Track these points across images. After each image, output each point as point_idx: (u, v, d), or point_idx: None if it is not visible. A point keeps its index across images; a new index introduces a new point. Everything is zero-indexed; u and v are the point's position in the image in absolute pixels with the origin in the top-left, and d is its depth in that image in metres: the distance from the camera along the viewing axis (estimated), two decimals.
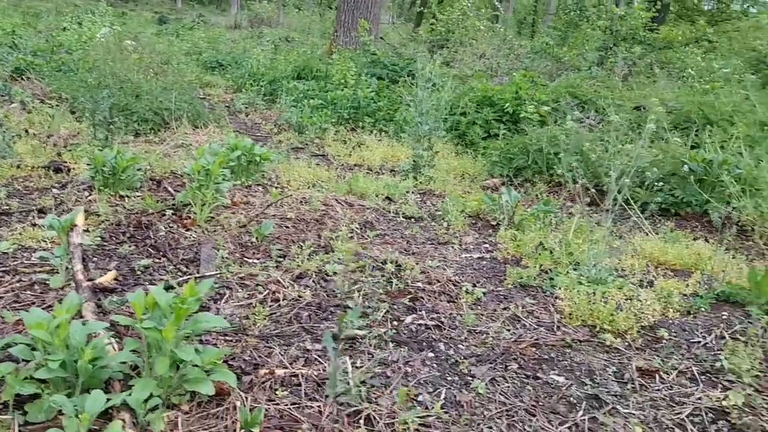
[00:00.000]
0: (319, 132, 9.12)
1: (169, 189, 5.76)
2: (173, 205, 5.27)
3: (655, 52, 14.20)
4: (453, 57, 14.44)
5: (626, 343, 3.75)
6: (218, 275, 4.08)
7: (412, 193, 6.72)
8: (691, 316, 4.23)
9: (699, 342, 3.84)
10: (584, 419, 2.96)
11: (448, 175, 7.45)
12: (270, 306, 3.76)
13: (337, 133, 9.16)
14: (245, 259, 4.43)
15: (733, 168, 6.61)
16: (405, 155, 8.04)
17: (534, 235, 5.27)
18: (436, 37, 16.55)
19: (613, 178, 5.11)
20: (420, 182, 7.16)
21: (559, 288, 4.35)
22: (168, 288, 3.57)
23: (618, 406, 3.08)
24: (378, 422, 2.73)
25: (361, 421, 2.73)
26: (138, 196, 5.47)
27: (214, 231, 4.84)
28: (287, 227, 5.13)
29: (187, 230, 4.82)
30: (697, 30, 15.88)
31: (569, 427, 2.90)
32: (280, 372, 3.01)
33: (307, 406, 2.80)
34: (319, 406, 2.80)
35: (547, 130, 7.87)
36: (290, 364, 3.13)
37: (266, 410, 2.73)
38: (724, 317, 4.25)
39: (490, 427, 2.82)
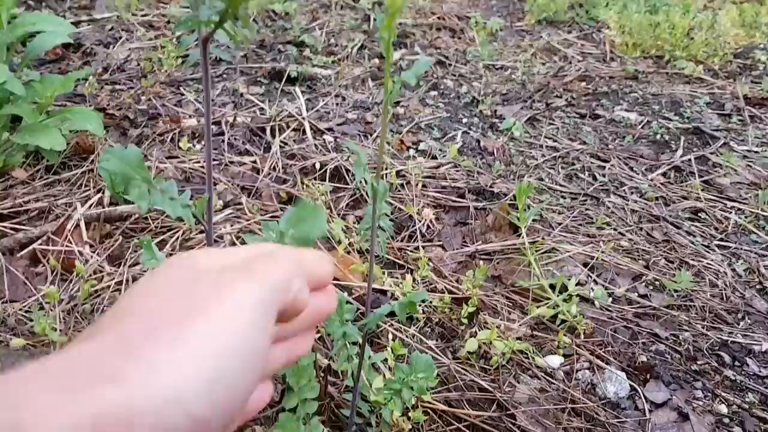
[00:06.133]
0: None
1: None
2: None
3: None
4: None
5: (711, 72, 2.60)
6: (115, 17, 2.79)
7: None
8: None
9: None
10: (687, 160, 1.86)
11: None
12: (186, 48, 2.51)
13: None
14: (162, 2, 3.12)
15: None
16: None
17: None
18: None
19: None
20: None
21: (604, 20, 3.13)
22: None
23: (732, 143, 1.98)
24: (349, 175, 1.61)
25: (318, 166, 1.61)
26: None
27: None
28: None
29: None
30: None
31: (664, 173, 1.80)
32: (190, 122, 1.85)
33: (234, 162, 1.66)
34: (253, 162, 1.67)
35: None
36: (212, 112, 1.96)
37: (161, 170, 1.60)
38: None
39: (541, 179, 1.71)
